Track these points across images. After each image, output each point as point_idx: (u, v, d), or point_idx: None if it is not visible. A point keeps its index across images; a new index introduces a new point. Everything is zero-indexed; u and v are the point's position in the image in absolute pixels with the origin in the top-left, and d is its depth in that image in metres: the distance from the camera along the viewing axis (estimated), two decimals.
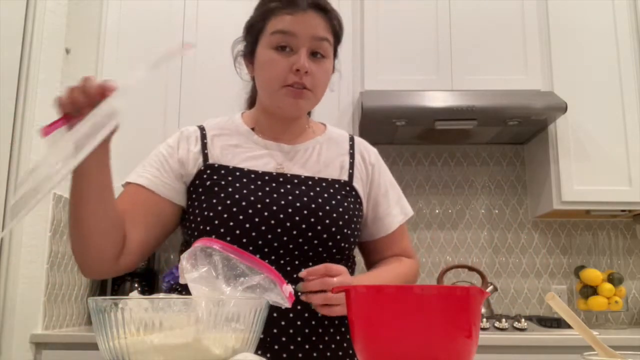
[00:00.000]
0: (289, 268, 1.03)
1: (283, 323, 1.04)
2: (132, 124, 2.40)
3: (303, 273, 0.96)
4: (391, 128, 2.41)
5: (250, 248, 1.02)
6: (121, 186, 1.11)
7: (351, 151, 1.19)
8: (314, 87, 1.08)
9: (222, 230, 1.03)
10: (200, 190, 1.08)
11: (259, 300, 0.70)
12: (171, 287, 1.22)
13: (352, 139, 1.23)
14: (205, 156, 1.11)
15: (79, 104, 0.83)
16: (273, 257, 1.04)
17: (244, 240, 1.02)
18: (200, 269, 0.75)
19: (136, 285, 2.42)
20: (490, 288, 2.36)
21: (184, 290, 1.09)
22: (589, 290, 2.42)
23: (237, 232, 1.02)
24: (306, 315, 1.04)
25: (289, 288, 0.77)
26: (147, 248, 1.08)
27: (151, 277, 2.50)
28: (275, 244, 1.04)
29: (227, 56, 2.44)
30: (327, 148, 1.18)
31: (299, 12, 1.06)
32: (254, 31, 1.14)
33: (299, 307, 1.04)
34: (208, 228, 1.03)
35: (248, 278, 0.75)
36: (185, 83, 2.43)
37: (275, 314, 1.04)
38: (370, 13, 2.48)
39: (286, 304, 0.75)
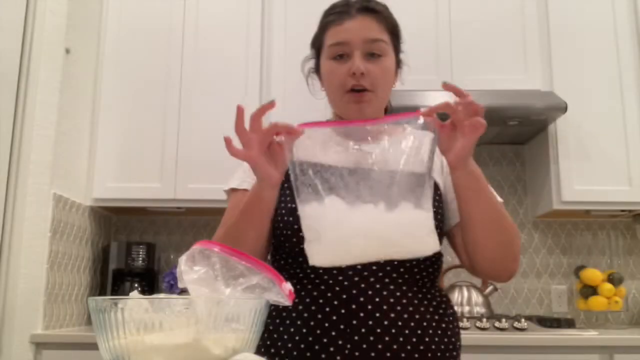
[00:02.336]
0: None
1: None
2: (132, 123, 2.41)
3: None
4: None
5: None
6: (223, 192, 1.19)
7: (432, 147, 1.20)
8: (374, 87, 1.12)
9: (296, 226, 1.05)
10: (284, 187, 1.10)
11: (259, 300, 0.70)
12: None
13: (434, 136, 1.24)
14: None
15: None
16: None
17: None
18: (198, 270, 0.75)
19: (136, 285, 2.42)
20: (490, 288, 2.36)
21: None
22: (589, 290, 2.42)
23: None
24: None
25: (288, 286, 0.77)
26: (263, 244, 1.10)
27: (151, 277, 2.50)
28: None
29: (226, 55, 2.46)
30: (406, 144, 1.19)
31: (349, 20, 1.12)
32: (316, 47, 1.21)
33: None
34: (291, 218, 1.06)
35: (247, 278, 0.75)
36: (185, 83, 2.43)
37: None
38: None
39: (286, 302, 0.76)
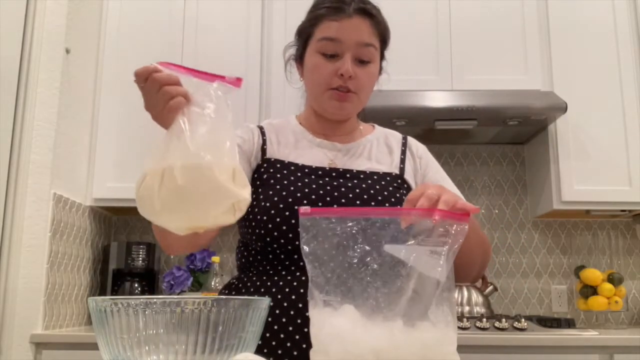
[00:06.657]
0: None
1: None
2: (132, 123, 2.41)
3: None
4: (391, 128, 2.40)
5: None
6: None
7: (403, 148, 1.24)
8: (359, 91, 1.14)
9: (277, 219, 1.06)
10: (258, 183, 1.14)
11: (258, 301, 0.70)
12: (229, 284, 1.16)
13: (405, 138, 1.28)
14: (263, 151, 1.18)
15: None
16: None
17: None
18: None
19: (136, 285, 2.42)
20: (490, 288, 2.36)
21: (243, 288, 1.10)
22: (589, 290, 2.42)
23: (293, 221, 1.05)
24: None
25: (229, 78, 0.77)
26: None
27: (151, 277, 2.50)
28: None
29: (226, 56, 2.45)
30: (378, 145, 1.24)
31: (345, 19, 1.11)
32: (303, 36, 1.19)
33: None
34: (265, 217, 1.07)
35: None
36: None
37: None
38: None
39: (234, 87, 0.77)
